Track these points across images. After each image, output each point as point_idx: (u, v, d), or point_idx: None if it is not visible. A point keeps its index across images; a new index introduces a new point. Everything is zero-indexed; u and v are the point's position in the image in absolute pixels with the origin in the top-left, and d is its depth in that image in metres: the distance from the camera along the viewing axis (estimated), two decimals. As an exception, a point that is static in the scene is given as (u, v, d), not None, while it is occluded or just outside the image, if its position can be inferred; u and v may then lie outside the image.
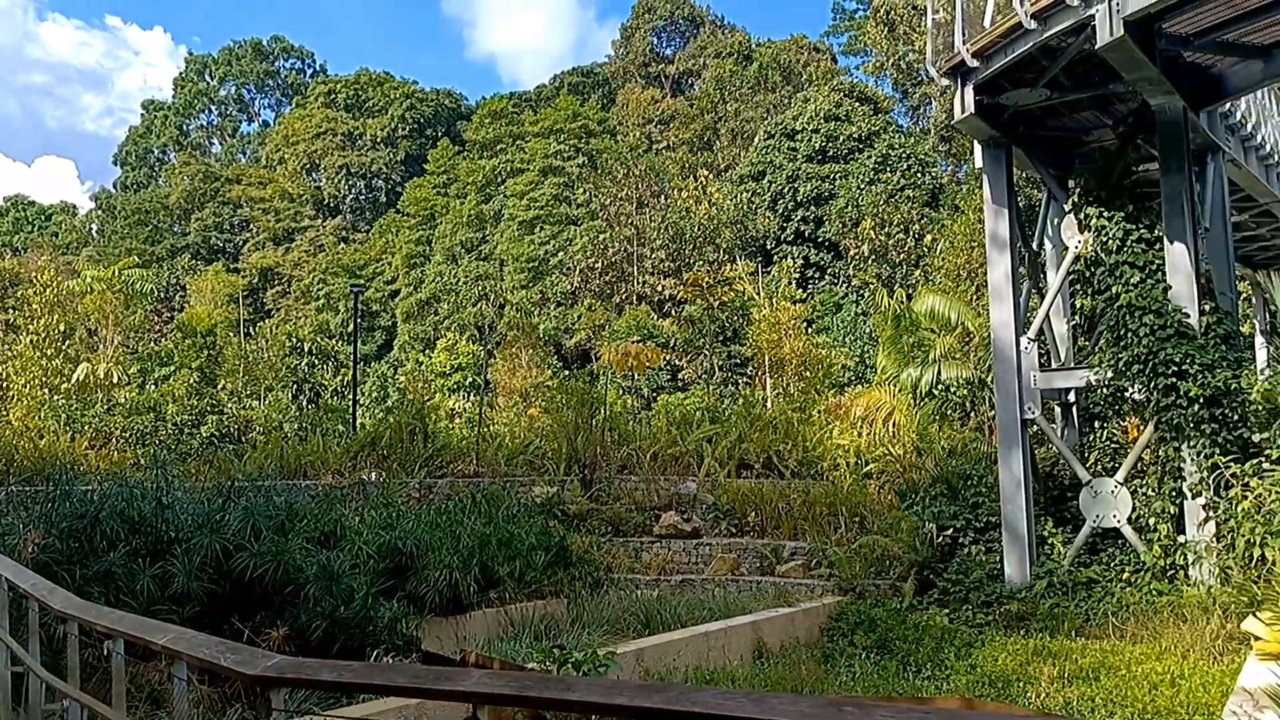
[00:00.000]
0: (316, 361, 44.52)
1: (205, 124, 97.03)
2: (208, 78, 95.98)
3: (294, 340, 43.75)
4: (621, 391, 38.39)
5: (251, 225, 78.80)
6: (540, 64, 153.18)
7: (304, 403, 40.02)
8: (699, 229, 47.34)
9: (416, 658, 11.05)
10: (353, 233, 79.06)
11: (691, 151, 64.02)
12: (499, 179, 63.53)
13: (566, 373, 45.28)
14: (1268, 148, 20.20)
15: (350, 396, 37.05)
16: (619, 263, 49.54)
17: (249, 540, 10.82)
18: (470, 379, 44.67)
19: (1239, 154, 18.69)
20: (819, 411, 24.98)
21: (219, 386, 37.05)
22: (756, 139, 54.98)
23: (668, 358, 40.93)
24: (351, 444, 23.39)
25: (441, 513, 17.29)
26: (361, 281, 60.34)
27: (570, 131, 62.02)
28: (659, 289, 47.23)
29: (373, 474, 20.85)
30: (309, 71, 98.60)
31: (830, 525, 18.49)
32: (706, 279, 39.98)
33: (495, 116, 66.97)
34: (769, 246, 49.92)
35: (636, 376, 39.76)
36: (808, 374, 32.92)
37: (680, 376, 42.73)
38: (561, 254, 55.26)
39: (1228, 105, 17.29)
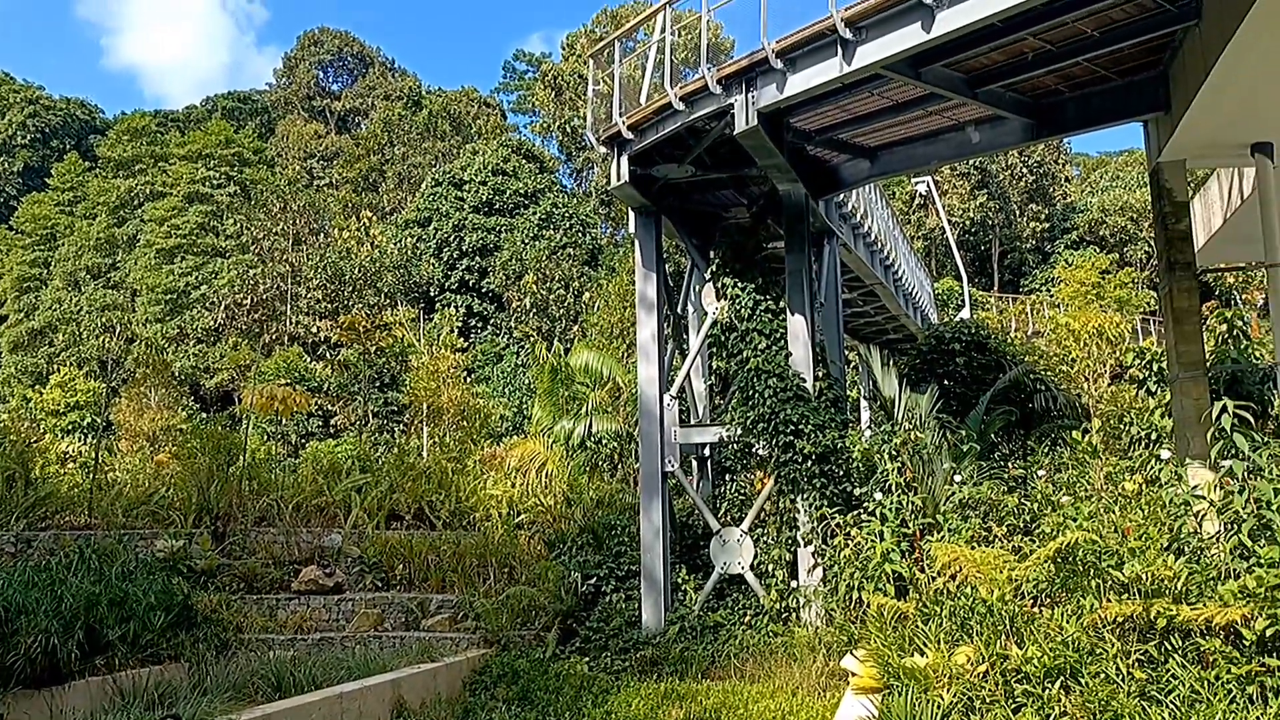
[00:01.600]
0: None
1: None
2: None
3: None
4: (266, 437, 36.13)
5: None
6: (189, 83, 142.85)
7: None
8: (360, 271, 46.01)
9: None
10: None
11: (355, 191, 62.35)
12: (136, 201, 58.07)
13: (204, 416, 41.90)
14: (873, 236, 23.08)
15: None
16: (270, 300, 46.88)
17: None
18: (89, 419, 40.07)
19: (850, 240, 21.18)
20: (475, 461, 24.91)
21: None
22: (424, 185, 54.60)
23: (319, 403, 39.13)
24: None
25: (42, 570, 15.26)
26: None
27: (222, 158, 58.13)
28: (314, 330, 45.19)
29: (-48, 527, 18.00)
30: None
31: (480, 576, 18.41)
32: (365, 323, 38.83)
33: (136, 134, 61.32)
34: (432, 293, 49.53)
35: (284, 421, 37.63)
36: (465, 423, 32.74)
37: (333, 423, 40.94)
38: (205, 287, 51.42)
39: (842, 196, 19.58)
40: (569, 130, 59.80)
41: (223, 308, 47.10)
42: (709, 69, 13.95)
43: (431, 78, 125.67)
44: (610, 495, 21.70)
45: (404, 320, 41.99)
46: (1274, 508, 8.46)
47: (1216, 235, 16.87)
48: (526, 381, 40.50)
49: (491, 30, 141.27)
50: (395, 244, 48.78)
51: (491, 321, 48.90)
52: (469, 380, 39.25)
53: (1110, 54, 12.83)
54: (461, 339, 44.06)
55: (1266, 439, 9.49)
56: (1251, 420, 9.39)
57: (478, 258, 49.20)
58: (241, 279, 47.17)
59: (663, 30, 15.63)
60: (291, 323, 46.58)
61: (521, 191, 51.00)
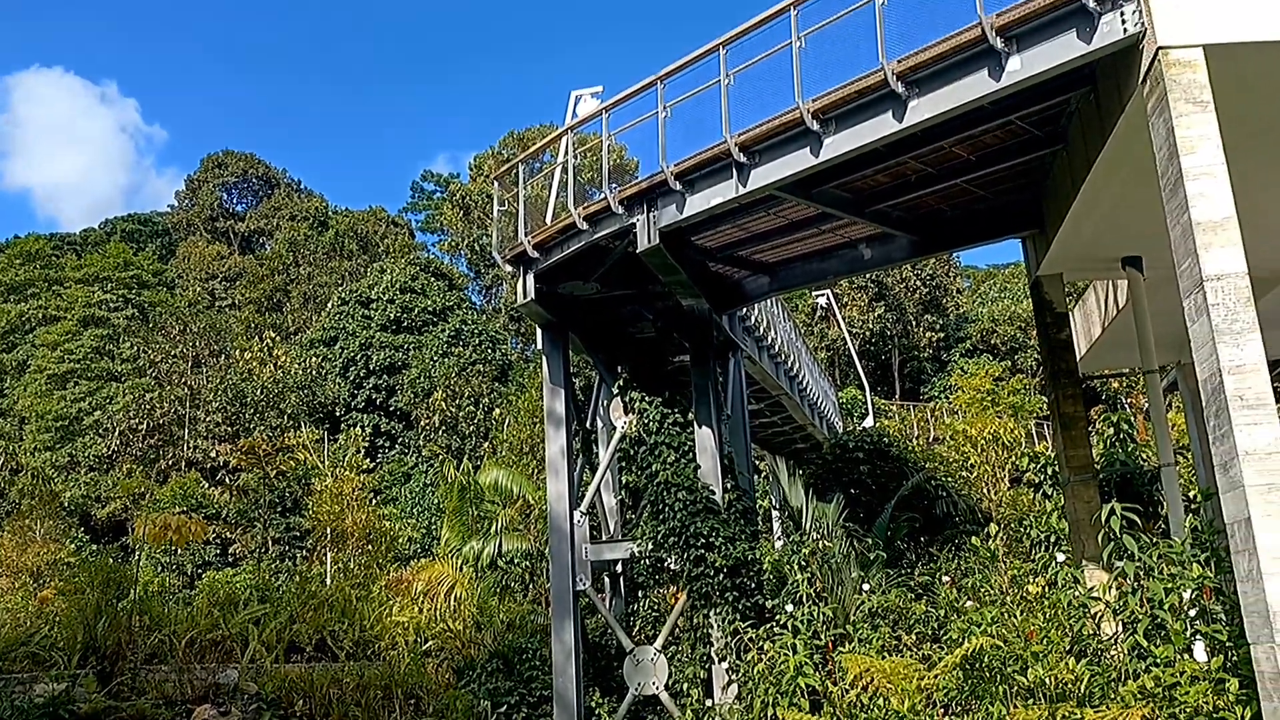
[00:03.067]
0: None
1: None
2: None
3: None
4: (160, 569, 34.49)
5: None
6: (85, 206, 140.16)
7: None
8: (262, 392, 44.99)
9: None
10: None
11: (259, 312, 61.44)
12: (27, 326, 56.15)
13: (95, 547, 39.85)
14: (777, 348, 23.62)
15: None
16: (168, 425, 45.40)
17: None
18: (-34, 556, 37.68)
19: (755, 352, 21.64)
20: (381, 587, 24.16)
21: None
22: (330, 304, 54.16)
23: (217, 530, 37.64)
24: None
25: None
26: None
27: (120, 280, 56.82)
28: (213, 455, 43.76)
29: None
30: None
31: (385, 710, 17.67)
32: (266, 446, 37.78)
33: (28, 257, 59.71)
34: (338, 413, 48.60)
35: (179, 551, 35.99)
36: (371, 547, 31.84)
37: (231, 551, 39.34)
38: (99, 413, 49.53)
39: (745, 310, 20.08)
40: (477, 248, 60.35)
41: (117, 434, 45.36)
42: (611, 190, 14.34)
43: (339, 198, 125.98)
44: (521, 617, 21.22)
45: (308, 442, 41.00)
46: (1166, 607, 8.72)
47: (1097, 343, 17.72)
48: (435, 501, 39.71)
49: (398, 152, 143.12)
50: (299, 364, 47.96)
51: (399, 440, 48.08)
52: (375, 502, 38.32)
53: (986, 175, 13.61)
54: (368, 459, 43.14)
55: (1155, 539, 9.83)
56: (1139, 521, 9.75)
57: (385, 376, 48.64)
58: (137, 403, 45.65)
59: (566, 153, 16.09)
60: (189, 447, 45.08)
61: (430, 309, 50.95)
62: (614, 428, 17.40)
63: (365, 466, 40.50)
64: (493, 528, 25.20)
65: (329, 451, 42.56)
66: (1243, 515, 7.60)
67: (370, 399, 48.62)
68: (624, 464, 18.93)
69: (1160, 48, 8.48)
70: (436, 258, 61.35)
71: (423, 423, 45.59)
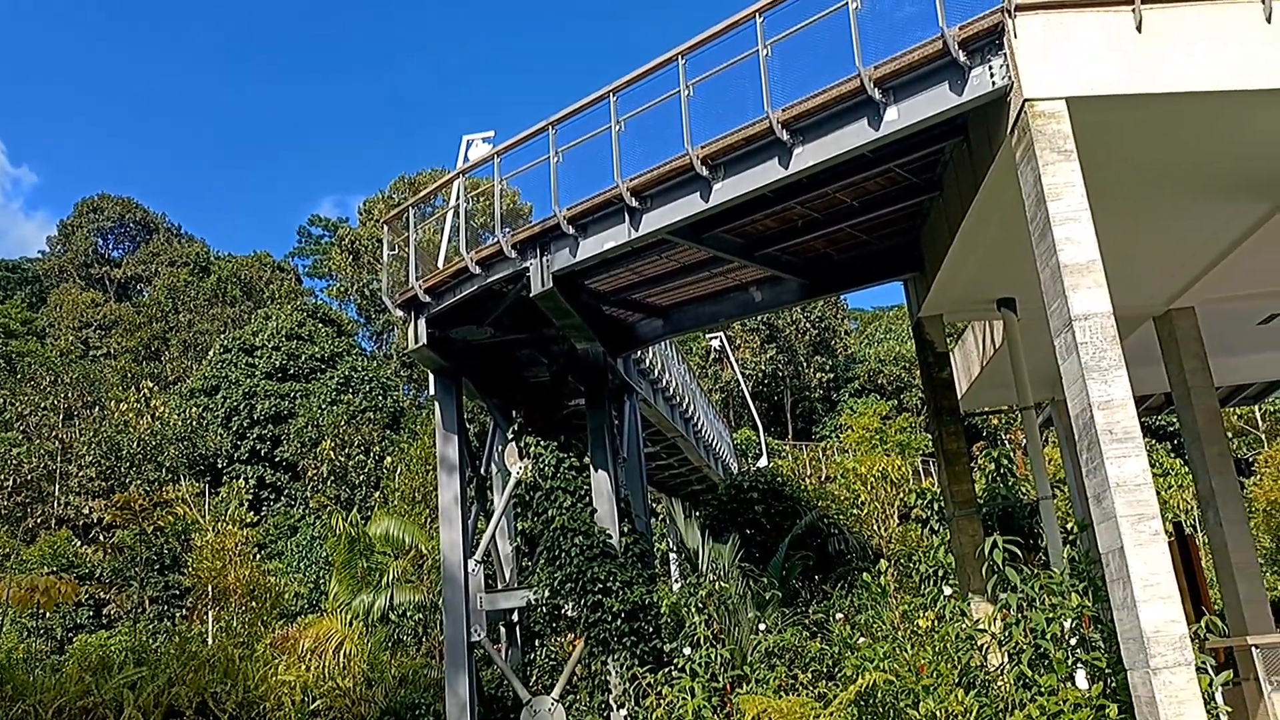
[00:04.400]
0: None
1: None
2: None
3: None
4: (26, 634, 32.42)
5: None
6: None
7: None
8: (139, 444, 43.02)
9: None
10: None
11: (136, 361, 58.98)
12: (-121, 378, 52.71)
13: (-49, 614, 37.26)
14: (672, 390, 23.79)
15: None
16: (36, 481, 42.97)
17: None
18: None
19: (650, 395, 21.75)
20: (265, 645, 23.19)
21: None
22: (211, 352, 52.34)
23: (90, 590, 35.65)
24: None
25: None
26: None
27: (-16, 329, 54.00)
28: (85, 511, 41.54)
29: None
30: None
31: (270, 773, 16.88)
32: (142, 500, 36.06)
33: (-119, 305, 56.28)
34: (220, 465, 46.76)
35: (47, 615, 33.93)
36: (255, 604, 30.56)
37: (106, 612, 37.27)
38: (-41, 470, 46.60)
39: (640, 353, 20.19)
40: (367, 293, 59.34)
41: (-22, 491, 42.71)
42: (504, 234, 14.31)
43: (221, 243, 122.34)
44: (414, 671, 20.66)
45: (187, 495, 39.30)
46: (1048, 637, 9.00)
47: (976, 382, 18.37)
48: (324, 554, 38.47)
49: (283, 196, 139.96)
50: (179, 414, 46.08)
51: (285, 492, 46.50)
52: (260, 556, 36.91)
53: (870, 220, 14.06)
54: (252, 512, 41.55)
55: (1036, 570, 10.16)
56: (1021, 553, 10.07)
57: (270, 426, 47.10)
58: (2, 459, 43.14)
59: (458, 197, 16.01)
60: (60, 504, 42.75)
61: (318, 355, 49.71)
62: (509, 473, 17.21)
63: (249, 520, 38.99)
64: (384, 580, 24.50)
65: (210, 505, 40.86)
66: (1116, 545, 7.93)
67: (254, 450, 46.96)
68: (519, 510, 18.74)
69: (1026, 100, 8.94)
70: (325, 303, 60.05)
71: (310, 473, 44.23)
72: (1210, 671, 8.07)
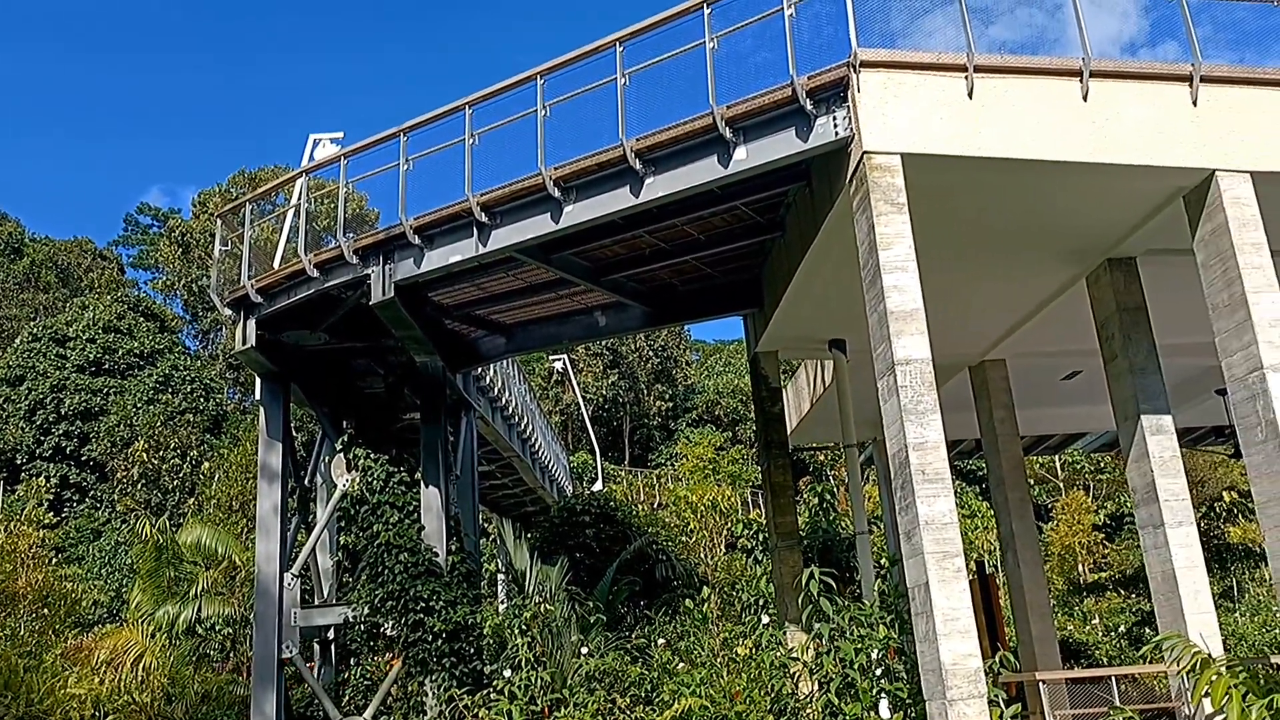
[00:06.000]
0: None
1: None
2: None
3: None
4: None
5: None
6: None
7: None
8: (-76, 435, 39.50)
9: None
10: None
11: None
12: None
13: None
14: (511, 409, 23.63)
15: None
16: None
17: None
18: None
19: (488, 413, 21.53)
20: (56, 656, 21.54)
21: None
22: (18, 340, 48.64)
23: None
24: None
25: None
26: None
27: None
28: None
29: None
30: None
31: (48, 796, 15.66)
32: (-76, 495, 33.07)
33: None
34: (19, 461, 43.40)
35: None
36: (47, 611, 28.40)
37: None
38: None
39: (480, 370, 19.97)
40: (196, 289, 56.50)
41: None
42: (346, 239, 13.93)
43: (38, 225, 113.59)
44: (219, 688, 19.60)
45: (-22, 492, 36.28)
46: (855, 666, 9.36)
47: (806, 418, 19.05)
48: (129, 561, 36.19)
49: (109, 179, 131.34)
50: (-25, 405, 42.59)
51: (91, 494, 43.53)
52: (57, 561, 34.37)
53: (714, 254, 14.41)
54: (52, 513, 38.73)
55: (848, 602, 10.57)
56: (836, 585, 10.46)
57: (79, 422, 44.06)
58: None
59: (300, 196, 15.50)
60: None
61: (137, 351, 46.90)
62: (335, 486, 16.65)
63: (48, 521, 36.30)
64: (192, 591, 23.21)
65: (5, 503, 37.82)
66: (922, 580, 8.34)
67: (59, 446, 43.79)
68: (343, 524, 18.12)
69: (865, 152, 9.39)
70: (148, 297, 56.74)
71: (119, 475, 41.57)
72: (1001, 705, 8.56)
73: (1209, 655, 8.27)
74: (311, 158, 17.62)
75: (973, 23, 9.79)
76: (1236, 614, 25.64)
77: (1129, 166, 9.79)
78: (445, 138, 13.20)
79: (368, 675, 16.46)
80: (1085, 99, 9.83)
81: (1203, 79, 9.98)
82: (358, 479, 15.92)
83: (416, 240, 13.28)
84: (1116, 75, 9.96)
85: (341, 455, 16.33)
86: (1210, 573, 15.74)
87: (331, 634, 17.21)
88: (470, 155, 12.72)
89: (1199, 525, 12.66)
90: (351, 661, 17.20)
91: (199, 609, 22.01)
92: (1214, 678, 7.59)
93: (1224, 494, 34.35)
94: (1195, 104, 9.97)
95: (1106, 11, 10.75)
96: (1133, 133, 9.82)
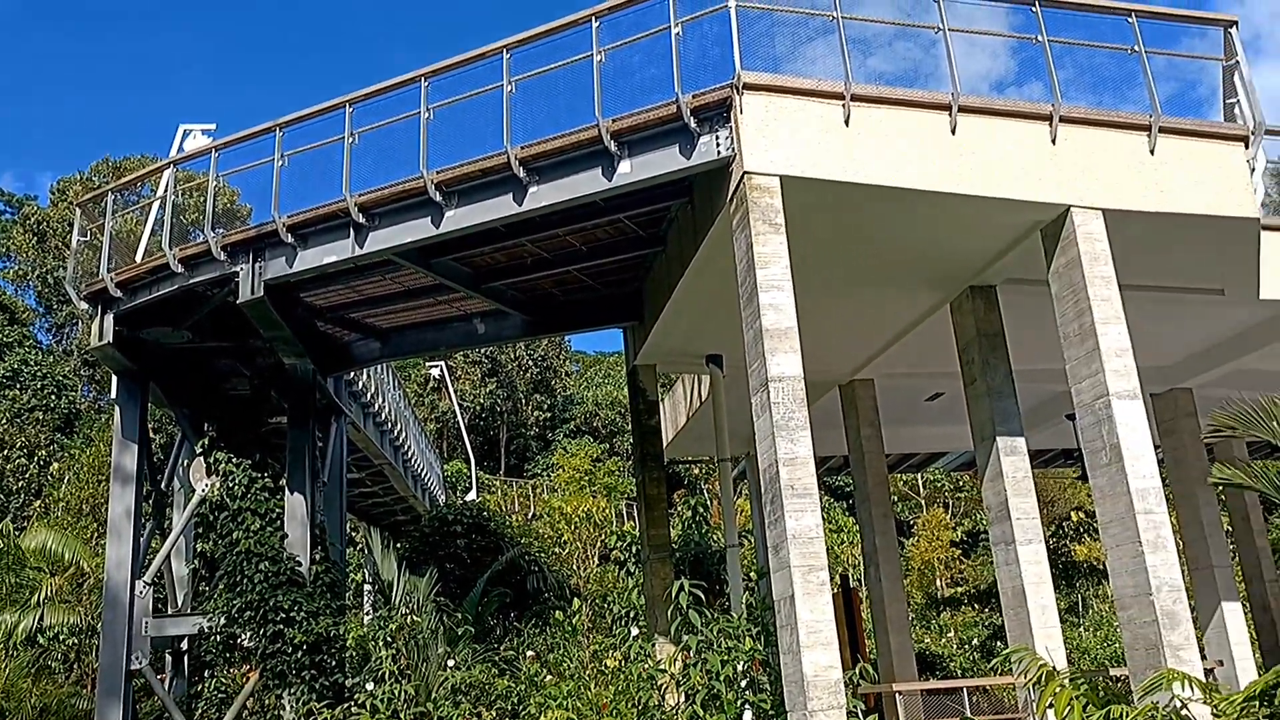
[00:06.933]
0: None
1: None
2: None
3: None
4: None
5: None
6: None
7: None
8: None
9: None
10: None
11: None
12: None
13: None
14: (384, 416, 23.14)
15: None
16: None
17: None
18: None
19: (360, 419, 21.03)
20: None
21: None
22: None
23: None
24: None
25: None
26: None
27: None
28: None
29: None
30: None
31: None
32: None
33: None
34: None
35: None
36: None
37: None
38: None
39: (353, 375, 19.50)
40: (51, 281, 53.46)
41: None
42: (215, 234, 13.43)
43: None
44: (60, 701, 18.53)
45: None
46: (721, 678, 9.48)
47: (682, 432, 19.25)
48: (-37, 567, 33.86)
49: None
50: None
51: (-76, 495, 40.66)
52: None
53: (596, 266, 14.45)
54: (-124, 515, 36.00)
55: (717, 614, 10.71)
56: (705, 597, 10.58)
57: (-87, 417, 41.15)
58: None
59: (167, 188, 14.86)
60: None
61: (-17, 344, 44.15)
62: (193, 490, 15.99)
63: None
64: (35, 598, 21.88)
65: None
66: (788, 593, 8.51)
67: (-110, 442, 40.80)
68: (201, 531, 17.42)
69: (746, 172, 9.57)
70: (-1, 287, 53.49)
71: (-44, 474, 38.96)
72: (860, 715, 8.80)
73: (1054, 668, 8.68)
74: (181, 148, 16.94)
75: (852, 53, 10.12)
76: (1081, 628, 27.04)
77: (992, 199, 10.25)
78: (325, 135, 12.87)
79: (222, 688, 15.83)
80: (954, 132, 10.25)
81: (1062, 119, 10.53)
82: (218, 484, 15.32)
83: (290, 239, 12.89)
84: (983, 111, 10.43)
85: (202, 459, 15.69)
86: (1057, 589, 16.59)
87: (185, 645, 16.48)
88: (349, 154, 12.43)
89: (1047, 543, 13.31)
90: (206, 674, 16.50)
91: (41, 617, 20.76)
92: (1058, 689, 7.96)
93: (1071, 514, 36.22)
94: (1054, 142, 10.51)
95: (979, 49, 11.22)
96: (996, 167, 10.29)
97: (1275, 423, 8.16)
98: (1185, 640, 9.04)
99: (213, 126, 16.92)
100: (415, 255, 13.24)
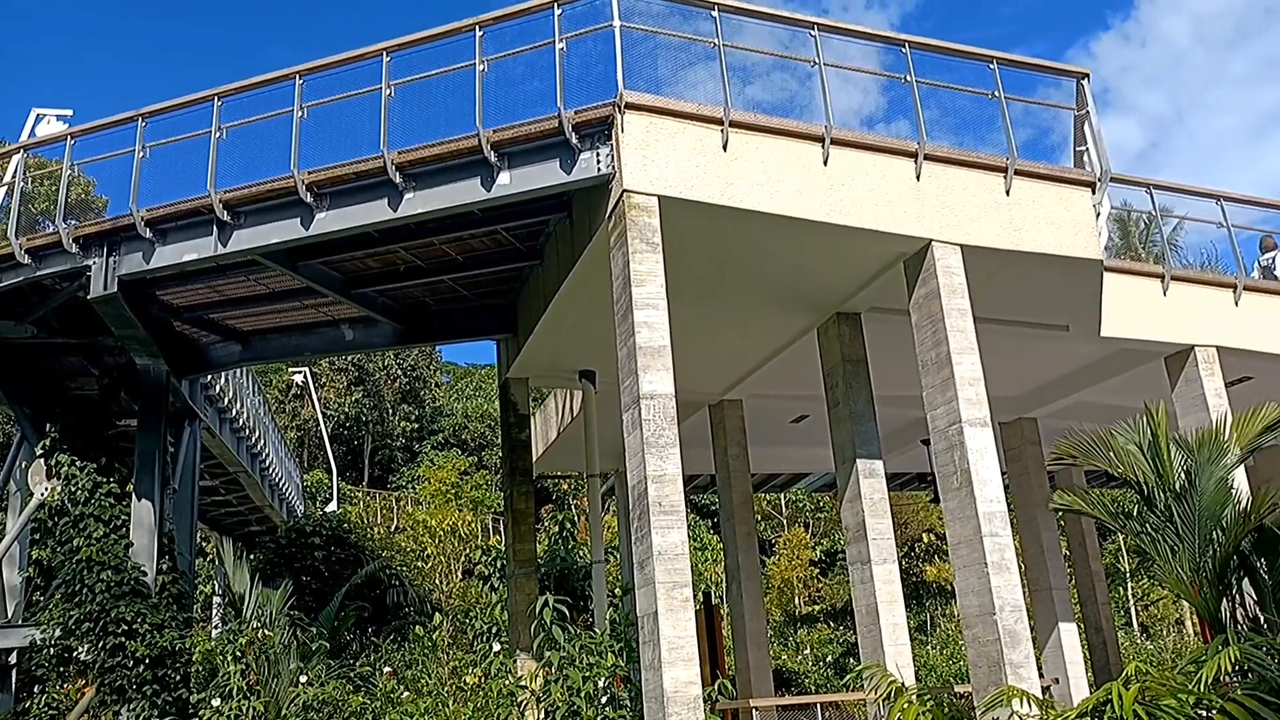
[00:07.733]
0: None
1: None
2: None
3: None
4: None
5: None
6: None
7: None
8: None
9: None
10: None
11: None
12: None
13: None
14: (242, 422, 22.31)
15: None
16: None
17: None
18: None
19: (215, 424, 20.22)
20: None
21: None
22: None
23: None
24: None
25: None
26: None
27: None
28: None
29: None
30: None
31: None
32: None
33: None
34: None
35: None
36: None
37: None
38: None
39: (210, 378, 18.74)
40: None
41: None
42: (67, 225, 12.75)
43: None
44: None
45: None
46: (582, 695, 9.47)
47: (552, 446, 19.20)
48: None
49: None
50: None
51: None
52: None
53: (471, 277, 14.31)
54: None
55: (580, 630, 10.70)
56: (569, 613, 10.56)
57: None
58: None
59: (16, 174, 14.03)
60: None
61: None
62: (31, 494, 15.06)
63: None
64: None
65: None
66: (651, 609, 8.58)
67: None
68: (38, 537, 16.44)
69: (626, 190, 9.67)
70: None
71: None
72: (717, 729, 8.92)
73: (903, 684, 9.00)
74: (33, 133, 16.03)
75: (732, 80, 10.35)
76: (929, 646, 28.09)
77: (859, 230, 10.63)
78: (191, 129, 12.38)
79: (54, 704, 14.89)
80: (825, 163, 10.60)
81: (926, 157, 11.02)
82: (59, 488, 14.47)
83: (148, 233, 12.33)
84: (853, 145, 10.82)
85: (42, 461, 14.81)
86: (908, 608, 17.21)
87: (14, 658, 15.45)
88: (216, 149, 11.98)
89: (900, 564, 13.80)
90: (36, 689, 15.49)
91: None
92: (905, 705, 8.25)
93: (923, 535, 37.66)
94: (918, 179, 10.99)
95: (852, 85, 11.64)
96: (864, 199, 10.68)
97: (1112, 453, 8.68)
98: (1025, 659, 9.51)
99: (69, 113, 16.07)
100: (282, 257, 12.85)
